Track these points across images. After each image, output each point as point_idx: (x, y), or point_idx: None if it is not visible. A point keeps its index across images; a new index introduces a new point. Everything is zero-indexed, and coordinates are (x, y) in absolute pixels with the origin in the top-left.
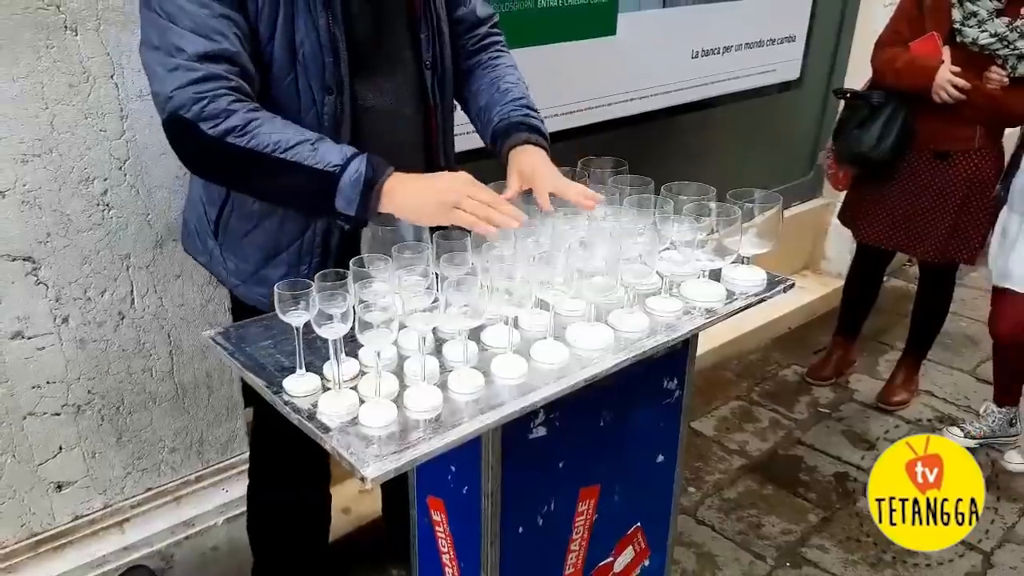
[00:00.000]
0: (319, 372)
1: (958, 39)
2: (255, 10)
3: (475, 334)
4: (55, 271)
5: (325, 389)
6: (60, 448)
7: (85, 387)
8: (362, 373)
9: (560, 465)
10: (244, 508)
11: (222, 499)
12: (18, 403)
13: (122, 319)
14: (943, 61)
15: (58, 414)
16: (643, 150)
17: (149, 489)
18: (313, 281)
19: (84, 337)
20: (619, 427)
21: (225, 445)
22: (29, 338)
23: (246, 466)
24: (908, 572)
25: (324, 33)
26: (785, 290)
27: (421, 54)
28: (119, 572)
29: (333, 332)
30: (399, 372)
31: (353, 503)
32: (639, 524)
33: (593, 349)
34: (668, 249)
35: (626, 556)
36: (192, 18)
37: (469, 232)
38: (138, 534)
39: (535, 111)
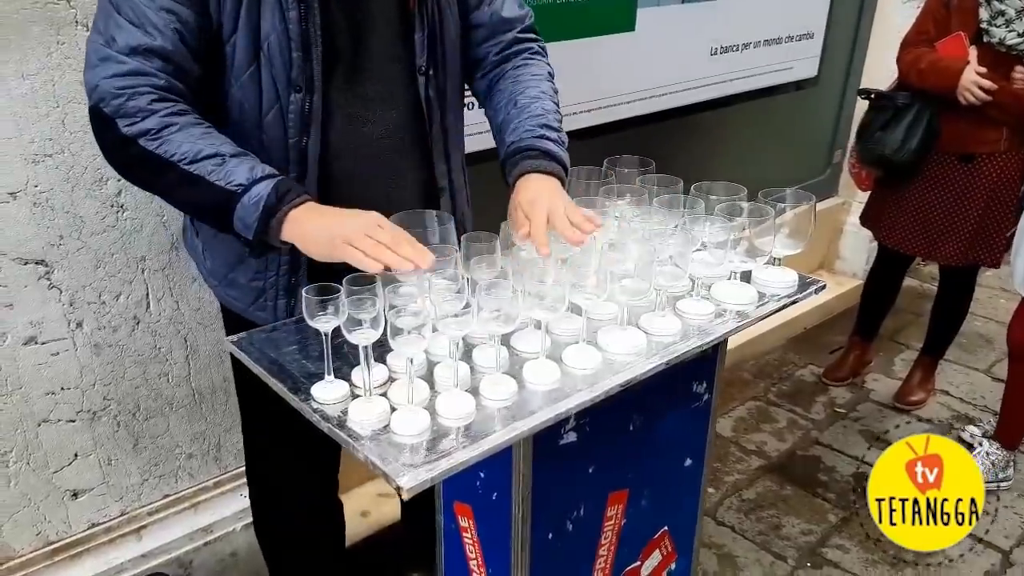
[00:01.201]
0: (347, 379)
1: (985, 39)
2: (216, 3)
3: (505, 338)
4: (69, 274)
5: (354, 396)
6: (75, 455)
7: (100, 393)
8: (391, 379)
9: (590, 470)
10: None
11: (240, 505)
12: (32, 410)
13: (137, 323)
14: (968, 62)
15: (73, 421)
16: (659, 148)
17: (166, 495)
18: (295, 286)
19: (99, 342)
20: (648, 431)
21: (243, 451)
22: (43, 343)
23: None
24: (928, 572)
25: (294, 26)
26: (817, 291)
27: (414, 57)
28: None
29: (364, 338)
30: (428, 378)
31: (371, 507)
32: (666, 528)
33: (626, 354)
34: (699, 250)
35: (653, 560)
36: (133, 8)
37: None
38: (155, 541)
39: (555, 129)
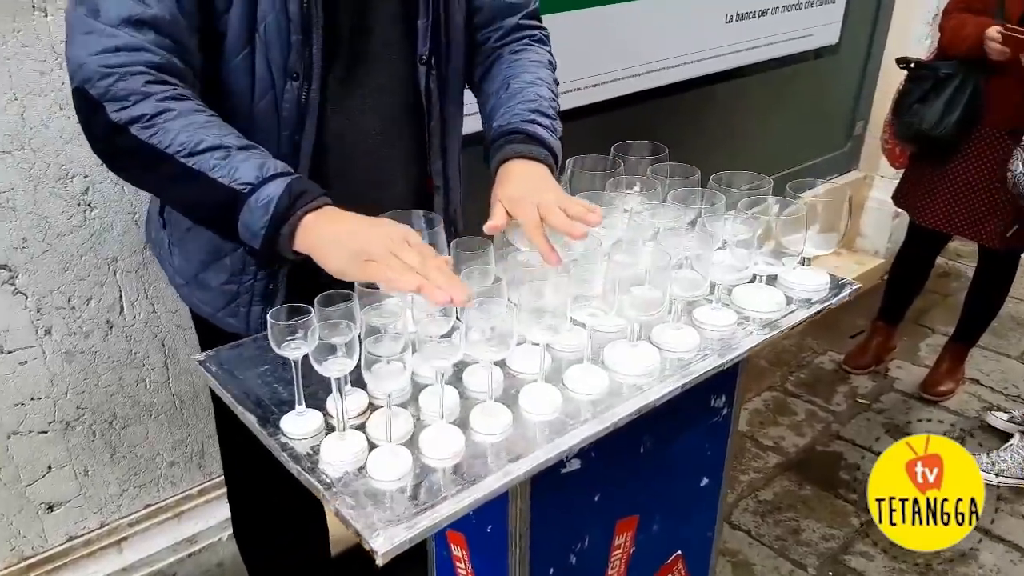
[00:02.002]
0: (323, 407)
1: None
2: None
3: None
4: (34, 279)
5: (329, 428)
6: (49, 467)
7: (73, 402)
8: (372, 407)
9: (595, 498)
10: None
11: (226, 513)
12: (1, 421)
13: (111, 328)
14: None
15: (45, 432)
16: (670, 124)
17: (148, 506)
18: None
19: (70, 349)
20: (661, 452)
21: None
22: (9, 352)
23: None
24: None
25: (295, 6)
26: (851, 295)
27: (416, 46)
28: None
29: (337, 369)
30: (414, 404)
31: None
32: (679, 552)
33: (637, 375)
34: (719, 250)
35: None
36: None
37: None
38: (137, 553)
39: (548, 116)
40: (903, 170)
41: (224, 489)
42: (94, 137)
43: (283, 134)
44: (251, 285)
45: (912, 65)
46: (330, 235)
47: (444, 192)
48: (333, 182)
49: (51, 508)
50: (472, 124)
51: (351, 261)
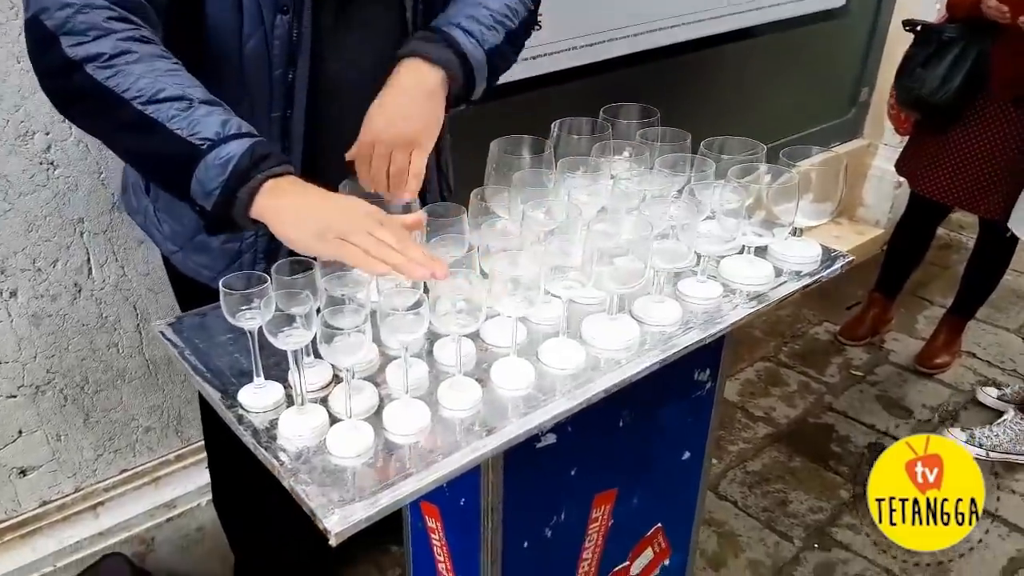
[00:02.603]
0: (284, 379)
1: None
2: None
3: None
4: None
5: (291, 402)
6: (20, 432)
7: (43, 366)
8: (337, 379)
9: (572, 472)
10: None
11: (205, 479)
12: None
13: (79, 291)
14: None
15: (14, 396)
16: (665, 89)
17: (124, 471)
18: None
19: (37, 312)
20: (641, 426)
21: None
22: None
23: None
24: (946, 555)
25: None
26: (843, 268)
27: None
28: (96, 558)
29: (292, 342)
30: (381, 377)
31: None
32: (660, 525)
33: (615, 349)
34: (707, 219)
35: (644, 558)
36: None
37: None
38: (114, 518)
39: (483, 24)
40: (907, 137)
41: (203, 455)
42: (45, 73)
43: (275, 73)
44: (253, 242)
45: (918, 28)
46: (292, 205)
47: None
48: (331, 127)
49: (23, 473)
50: None
51: (318, 237)
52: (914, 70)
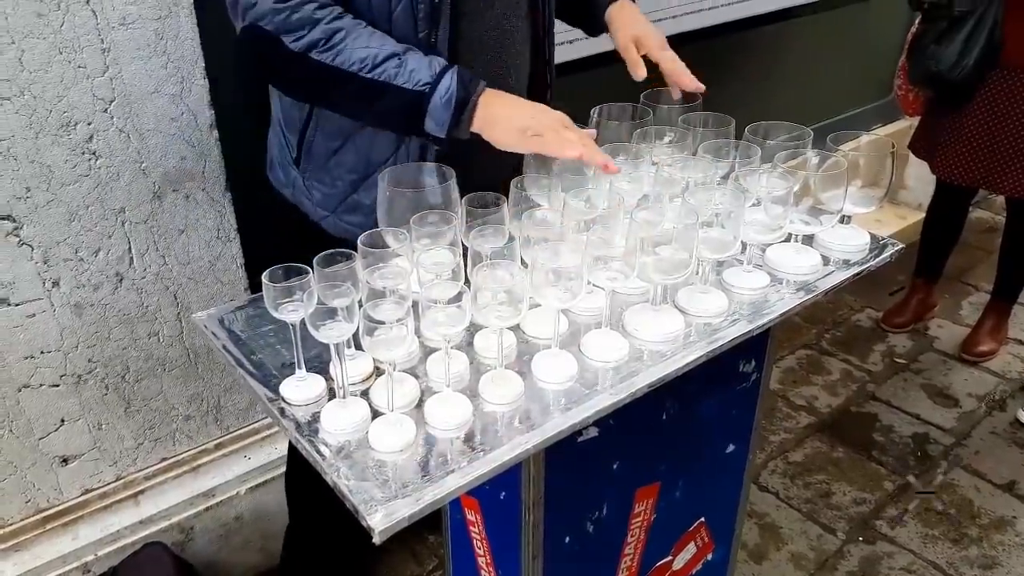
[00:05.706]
0: (327, 371)
1: None
2: None
3: None
4: (40, 230)
5: (332, 394)
6: (62, 421)
7: (85, 356)
8: (379, 372)
9: (614, 466)
10: (268, 476)
11: (244, 467)
12: (11, 375)
13: (120, 281)
14: None
15: (57, 385)
16: (708, 70)
17: (164, 459)
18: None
19: (79, 301)
20: (685, 419)
21: (245, 411)
22: (16, 305)
23: (269, 432)
24: (994, 550)
25: None
26: (893, 257)
27: None
28: (136, 547)
29: (335, 335)
30: (422, 369)
31: None
32: (703, 519)
33: (659, 341)
34: (753, 207)
35: (687, 552)
36: None
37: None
38: (154, 507)
39: None
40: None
41: (241, 444)
42: (271, 69)
43: (420, 35)
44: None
45: (925, 6)
46: (499, 115)
47: (551, 91)
48: None
49: (65, 461)
50: None
51: (520, 135)
52: (927, 47)
